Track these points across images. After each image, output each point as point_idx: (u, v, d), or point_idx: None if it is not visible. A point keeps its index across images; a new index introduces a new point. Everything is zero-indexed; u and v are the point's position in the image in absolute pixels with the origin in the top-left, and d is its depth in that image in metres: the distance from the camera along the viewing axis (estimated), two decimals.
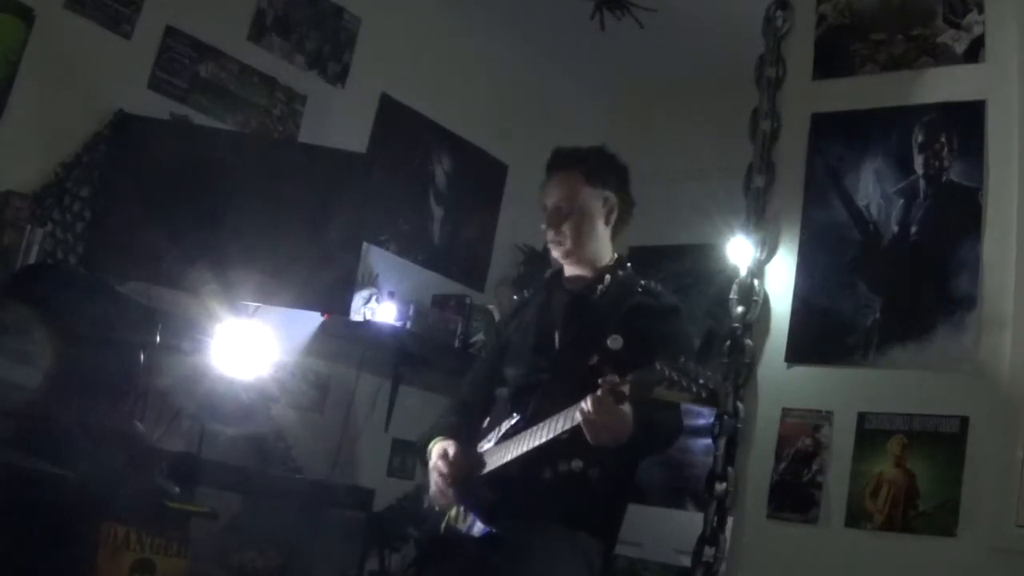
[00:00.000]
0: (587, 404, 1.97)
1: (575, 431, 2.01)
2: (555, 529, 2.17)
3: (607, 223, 2.44)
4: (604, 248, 2.45)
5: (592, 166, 2.43)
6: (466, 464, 2.27)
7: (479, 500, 2.22)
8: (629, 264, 2.48)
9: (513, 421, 2.24)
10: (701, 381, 1.82)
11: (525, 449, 2.15)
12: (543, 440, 2.11)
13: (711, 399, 1.86)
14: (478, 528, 2.18)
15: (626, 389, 1.94)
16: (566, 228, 2.39)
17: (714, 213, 3.88)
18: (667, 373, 1.82)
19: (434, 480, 2.32)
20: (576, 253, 2.41)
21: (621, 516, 2.31)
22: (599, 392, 1.96)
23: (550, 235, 2.42)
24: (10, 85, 3.29)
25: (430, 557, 2.35)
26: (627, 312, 2.29)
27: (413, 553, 2.43)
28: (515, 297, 2.67)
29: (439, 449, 2.33)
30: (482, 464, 2.26)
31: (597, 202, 2.41)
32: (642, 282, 2.39)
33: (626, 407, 1.98)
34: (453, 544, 2.24)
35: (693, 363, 1.85)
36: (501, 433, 2.25)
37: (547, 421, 2.11)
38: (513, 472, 2.17)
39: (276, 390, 3.89)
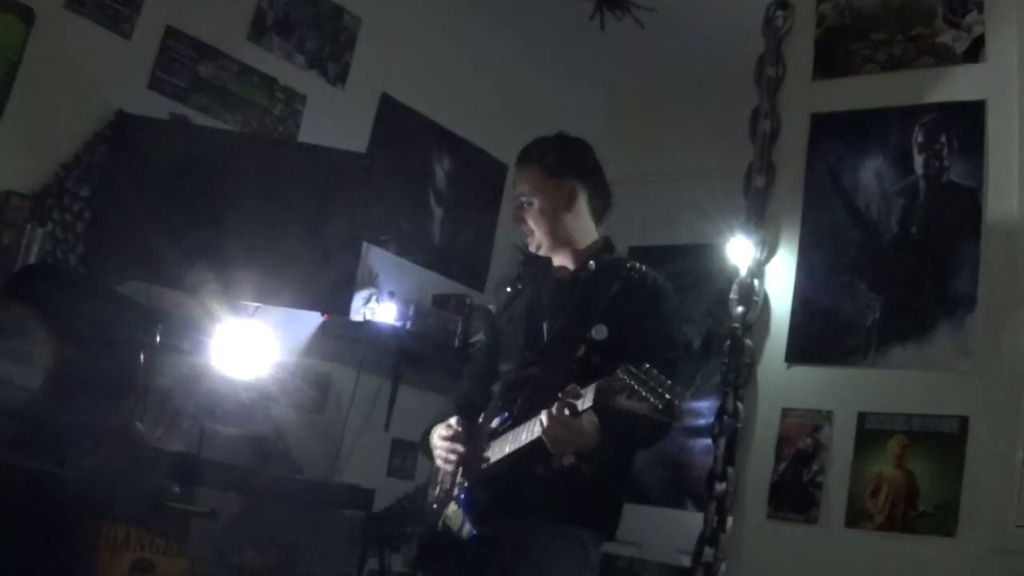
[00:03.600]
0: (544, 418, 2.00)
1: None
2: (551, 525, 2.17)
3: (570, 210, 2.40)
4: (580, 234, 2.42)
5: (548, 157, 2.43)
6: (468, 435, 2.29)
7: (472, 500, 2.22)
8: (615, 247, 2.47)
9: (501, 419, 2.25)
10: (659, 390, 1.80)
11: (501, 455, 2.17)
12: (511, 450, 2.14)
13: (667, 411, 1.81)
14: (467, 530, 2.19)
15: (579, 403, 1.95)
16: (528, 220, 2.40)
17: (714, 213, 3.88)
18: (628, 382, 1.82)
19: (438, 454, 2.33)
20: (544, 244, 2.42)
21: (619, 508, 2.31)
22: (554, 407, 1.98)
23: (521, 229, 2.45)
24: (10, 85, 3.29)
25: (428, 555, 2.35)
26: (611, 298, 2.27)
27: (415, 550, 2.42)
28: (508, 289, 2.65)
29: (441, 427, 2.35)
30: (480, 441, 2.27)
31: (554, 192, 2.39)
32: (627, 265, 2.38)
33: (585, 418, 1.99)
34: (449, 544, 2.24)
35: (656, 371, 1.83)
36: (491, 431, 2.26)
37: (519, 428, 2.13)
38: (506, 470, 2.18)
39: (276, 390, 3.89)
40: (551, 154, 2.44)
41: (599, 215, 2.46)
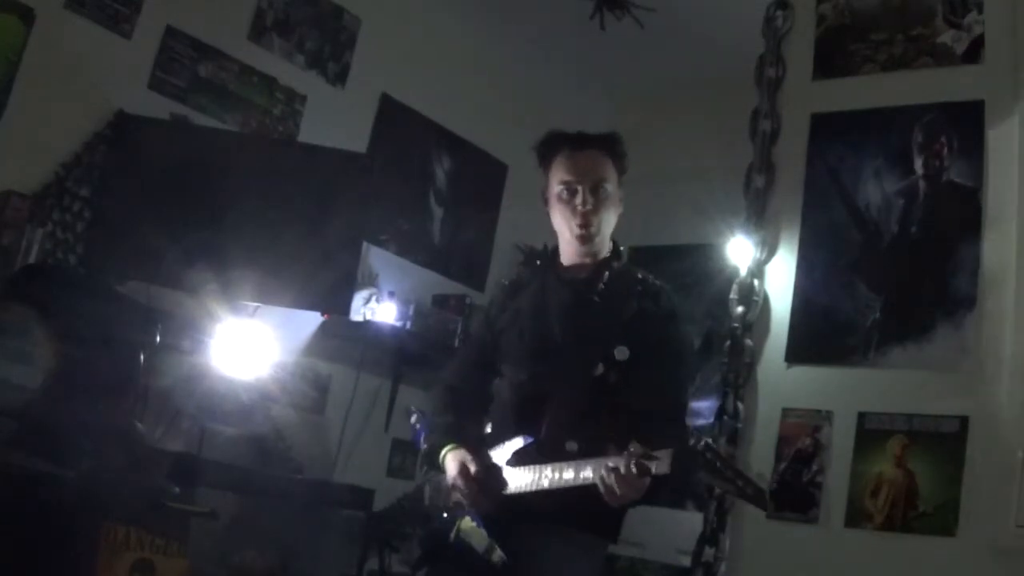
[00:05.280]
0: (609, 476, 1.92)
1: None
2: (564, 533, 2.13)
3: (620, 209, 2.37)
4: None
5: (619, 152, 2.37)
6: (487, 479, 2.21)
7: (494, 522, 2.16)
8: (623, 251, 2.41)
9: (526, 443, 2.18)
10: (748, 475, 1.86)
11: (536, 487, 2.11)
12: (550, 486, 2.08)
13: (757, 499, 1.87)
14: (497, 555, 2.12)
15: (654, 467, 1.87)
16: (598, 210, 2.28)
17: (714, 213, 3.88)
18: (710, 459, 1.84)
19: (460, 496, 2.25)
20: (596, 239, 2.31)
21: (622, 512, 2.26)
22: (623, 465, 1.90)
23: (581, 212, 2.28)
24: (10, 85, 3.29)
25: (438, 560, 2.31)
26: (630, 320, 2.22)
27: (415, 552, 2.38)
28: (506, 283, 2.57)
29: (457, 464, 2.24)
30: (502, 483, 2.19)
31: (618, 189, 2.35)
32: (639, 277, 2.32)
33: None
34: (464, 555, 2.19)
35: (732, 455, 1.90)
36: (513, 453, 2.19)
37: (563, 464, 2.07)
38: (540, 500, 2.13)
39: (276, 390, 3.89)
40: (619, 149, 2.37)
41: None
